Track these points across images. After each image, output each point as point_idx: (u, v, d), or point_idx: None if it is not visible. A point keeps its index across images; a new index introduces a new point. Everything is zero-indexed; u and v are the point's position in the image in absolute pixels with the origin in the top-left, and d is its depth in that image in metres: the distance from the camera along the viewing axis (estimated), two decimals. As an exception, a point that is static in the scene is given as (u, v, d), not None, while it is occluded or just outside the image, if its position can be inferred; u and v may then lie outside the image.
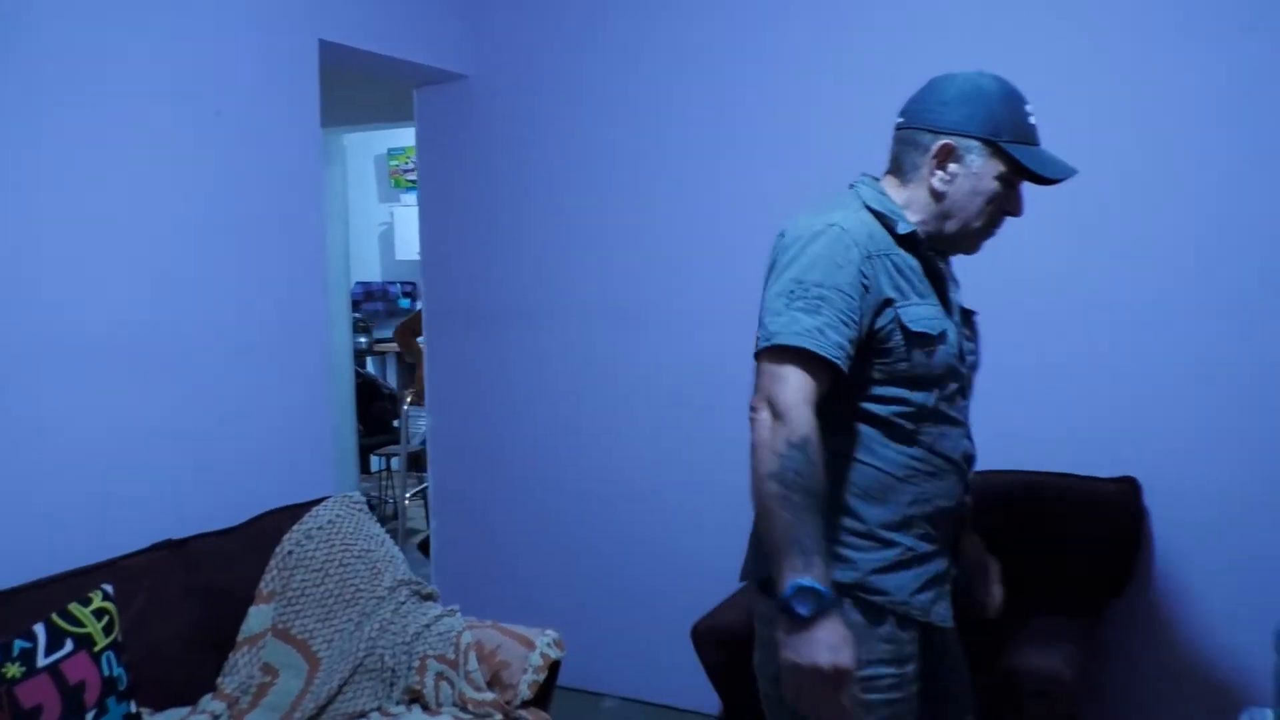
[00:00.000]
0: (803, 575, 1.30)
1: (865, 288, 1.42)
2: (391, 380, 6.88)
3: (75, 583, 2.02)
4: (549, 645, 2.23)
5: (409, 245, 6.89)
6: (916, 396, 1.48)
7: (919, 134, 1.51)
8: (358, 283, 6.90)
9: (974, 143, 1.47)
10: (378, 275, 7.33)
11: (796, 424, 1.34)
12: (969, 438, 1.59)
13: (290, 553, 2.37)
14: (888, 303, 1.44)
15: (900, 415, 1.48)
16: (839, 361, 1.37)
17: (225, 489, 2.53)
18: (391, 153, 7.04)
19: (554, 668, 2.25)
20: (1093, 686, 2.54)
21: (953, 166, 1.49)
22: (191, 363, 2.48)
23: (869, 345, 1.44)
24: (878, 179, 1.58)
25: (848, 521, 1.48)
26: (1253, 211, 2.39)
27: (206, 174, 2.52)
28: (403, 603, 2.41)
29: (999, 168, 1.48)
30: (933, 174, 1.50)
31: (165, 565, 2.22)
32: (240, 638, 2.27)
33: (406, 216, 6.94)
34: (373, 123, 4.77)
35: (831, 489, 1.42)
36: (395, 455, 5.74)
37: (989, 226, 1.54)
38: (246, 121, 2.61)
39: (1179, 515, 2.47)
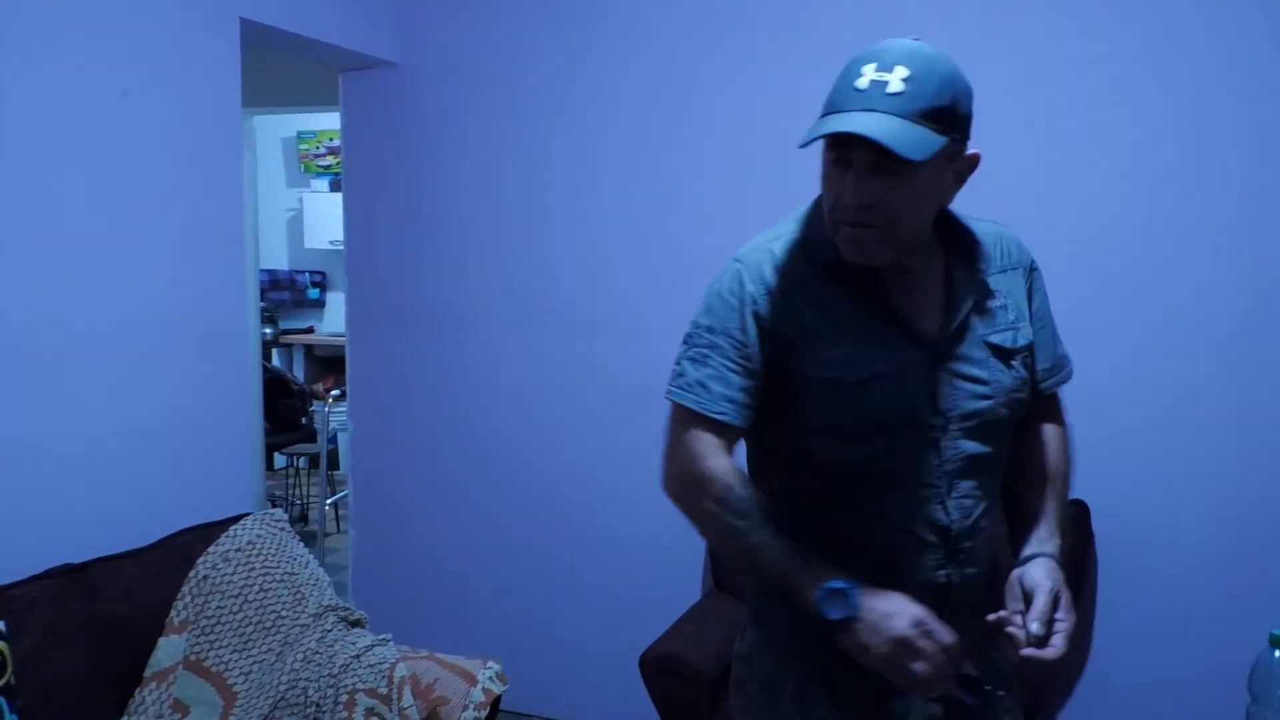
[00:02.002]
0: (816, 587, 1.22)
1: (761, 330, 1.28)
2: (299, 374, 6.59)
3: (-41, 617, 1.81)
4: (491, 679, 2.09)
5: (318, 233, 6.59)
6: (839, 453, 1.29)
7: None
8: (263, 270, 6.56)
9: None
10: (284, 263, 7.00)
11: (708, 484, 1.27)
12: (944, 503, 1.30)
13: (205, 577, 2.18)
14: (790, 343, 1.28)
15: (819, 472, 1.31)
16: (726, 417, 1.28)
17: (130, 506, 2.30)
18: (301, 136, 6.72)
19: (495, 702, 2.11)
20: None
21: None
22: (94, 365, 2.25)
23: (782, 389, 1.30)
24: None
25: None
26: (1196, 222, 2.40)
27: (114, 158, 2.29)
28: (329, 630, 2.24)
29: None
30: None
31: (62, 594, 2.00)
32: (148, 673, 2.07)
33: (316, 203, 6.64)
34: (288, 105, 4.51)
35: (787, 533, 1.29)
36: (303, 455, 5.49)
37: (834, 216, 1.25)
38: (160, 103, 2.39)
39: (1122, 537, 2.48)
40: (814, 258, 1.29)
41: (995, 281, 1.36)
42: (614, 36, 2.95)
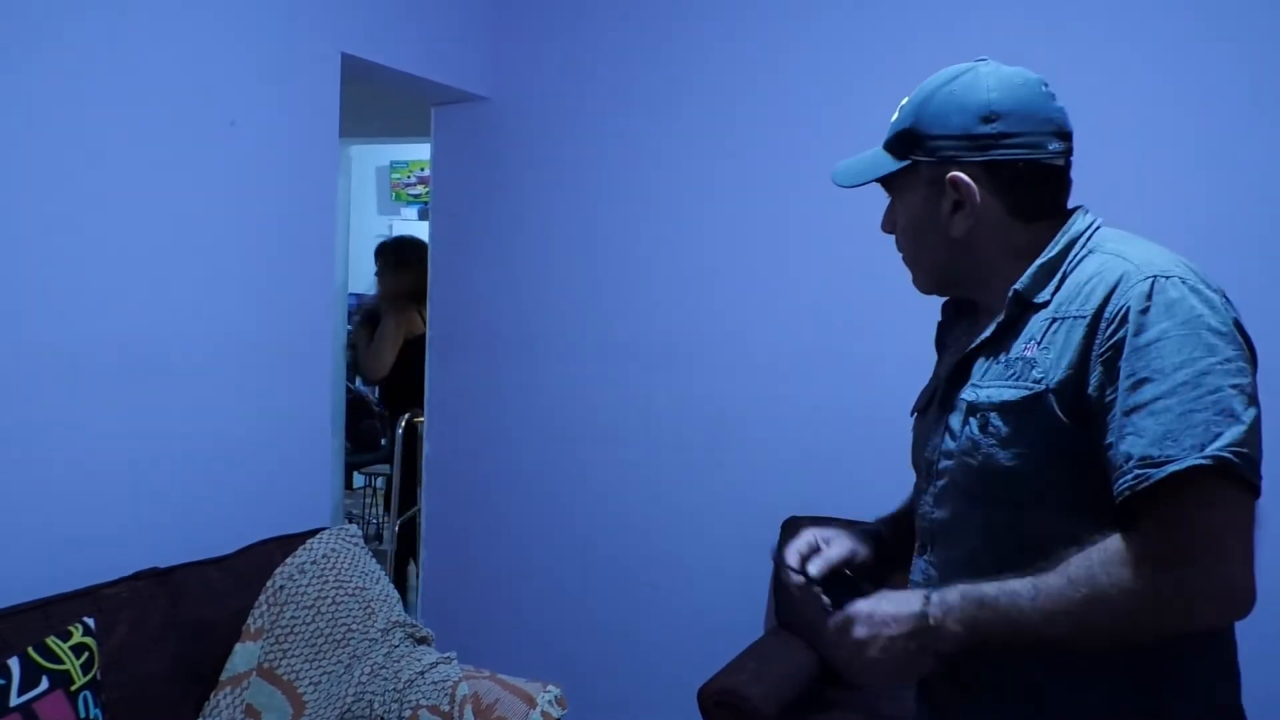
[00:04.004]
0: None
1: None
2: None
3: (53, 612, 1.90)
4: (550, 703, 2.12)
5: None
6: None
7: None
8: (351, 294, 6.78)
9: None
10: (372, 287, 7.21)
11: None
12: (922, 557, 1.26)
13: (281, 587, 2.26)
14: None
15: None
16: None
17: (217, 515, 2.40)
18: (394, 165, 6.94)
19: (553, 726, 2.14)
20: None
21: None
22: (190, 380, 2.37)
23: None
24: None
25: None
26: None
27: (218, 184, 2.42)
28: (396, 646, 2.29)
29: None
30: None
31: (149, 596, 2.09)
32: (224, 677, 2.15)
33: (405, 230, 6.83)
34: (383, 136, 4.68)
35: None
36: (381, 475, 5.62)
37: None
38: (263, 132, 2.52)
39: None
40: None
41: (1037, 326, 1.12)
42: (705, 74, 2.99)
